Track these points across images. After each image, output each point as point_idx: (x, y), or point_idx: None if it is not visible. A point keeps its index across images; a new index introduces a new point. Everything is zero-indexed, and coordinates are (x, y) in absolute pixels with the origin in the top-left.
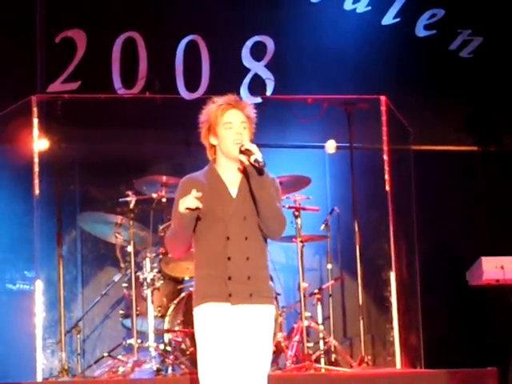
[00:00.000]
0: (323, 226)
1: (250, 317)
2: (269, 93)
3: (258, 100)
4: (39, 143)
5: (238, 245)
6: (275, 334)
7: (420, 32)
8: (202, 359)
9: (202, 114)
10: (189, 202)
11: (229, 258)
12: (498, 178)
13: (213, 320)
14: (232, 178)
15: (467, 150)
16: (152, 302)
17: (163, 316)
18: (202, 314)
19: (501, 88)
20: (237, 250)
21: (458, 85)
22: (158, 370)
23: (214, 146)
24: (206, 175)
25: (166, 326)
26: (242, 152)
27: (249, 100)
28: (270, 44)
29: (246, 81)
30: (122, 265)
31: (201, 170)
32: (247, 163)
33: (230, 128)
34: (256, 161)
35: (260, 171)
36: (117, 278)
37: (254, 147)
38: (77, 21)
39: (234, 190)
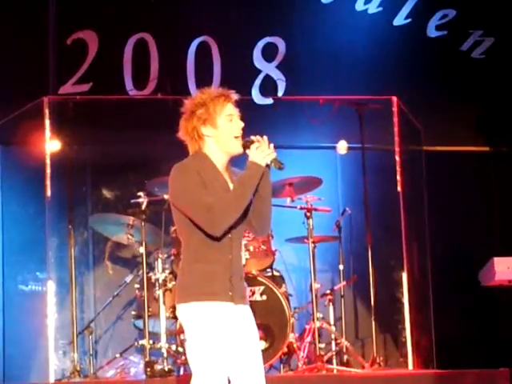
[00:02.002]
0: (335, 227)
1: (246, 317)
2: (280, 94)
3: (270, 101)
4: (51, 144)
5: (237, 243)
6: (288, 335)
7: (431, 32)
8: (204, 358)
9: (187, 104)
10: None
11: (231, 258)
12: (509, 179)
13: (219, 319)
14: (225, 173)
15: (479, 151)
16: (164, 303)
17: (175, 317)
18: (207, 311)
19: None
20: (236, 249)
21: (469, 85)
22: (170, 371)
23: (204, 137)
24: (201, 167)
25: (178, 326)
26: (245, 148)
27: (262, 101)
28: (281, 45)
29: (258, 82)
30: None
31: (187, 160)
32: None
33: (231, 121)
34: (278, 162)
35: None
36: (128, 278)
37: (270, 146)
38: (88, 22)
39: (230, 186)
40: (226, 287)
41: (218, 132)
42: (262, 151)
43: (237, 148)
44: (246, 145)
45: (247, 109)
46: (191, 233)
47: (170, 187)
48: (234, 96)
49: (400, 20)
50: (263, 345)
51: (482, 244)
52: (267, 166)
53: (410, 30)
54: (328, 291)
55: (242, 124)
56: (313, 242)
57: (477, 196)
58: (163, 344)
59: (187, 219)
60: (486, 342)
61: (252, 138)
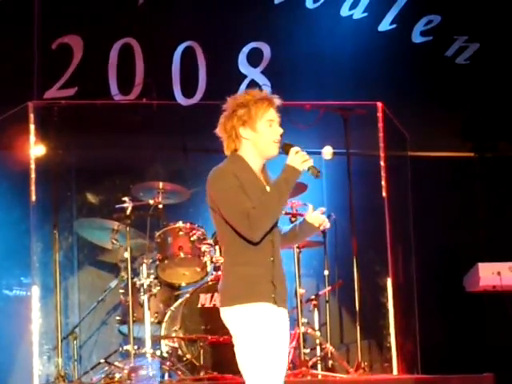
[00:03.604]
0: (320, 232)
1: (285, 320)
2: None
3: None
4: (36, 149)
5: (277, 247)
6: None
7: (416, 38)
8: (261, 360)
9: (230, 103)
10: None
11: (273, 261)
12: (494, 184)
13: (265, 320)
14: (261, 175)
15: (464, 156)
16: (149, 308)
17: (160, 322)
18: (251, 313)
19: (497, 94)
20: (277, 252)
21: (454, 91)
22: (155, 377)
23: (241, 138)
24: (239, 170)
25: (163, 332)
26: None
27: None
28: (266, 50)
29: (243, 87)
30: (123, 273)
31: (224, 164)
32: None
33: (270, 126)
34: (316, 169)
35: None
36: (113, 284)
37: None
38: (73, 27)
39: (267, 188)
40: (269, 290)
41: (256, 135)
42: (301, 156)
43: (273, 152)
44: (285, 148)
45: None
46: (233, 237)
47: (208, 192)
48: (278, 101)
49: (385, 26)
50: None
51: (467, 249)
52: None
53: (395, 35)
54: (313, 296)
55: (281, 130)
56: (297, 248)
57: (462, 202)
58: (148, 349)
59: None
60: (470, 347)
61: (289, 142)
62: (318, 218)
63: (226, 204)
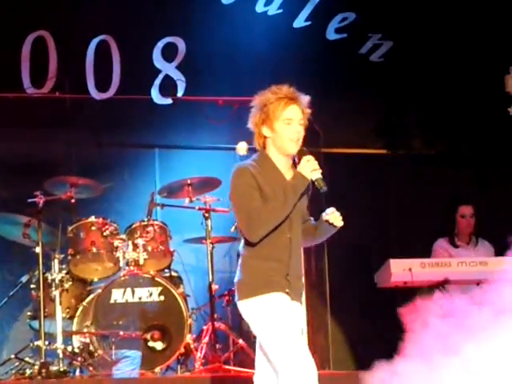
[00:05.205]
0: (233, 228)
1: (299, 313)
2: (180, 94)
3: (169, 101)
4: None
5: (296, 242)
6: (185, 336)
7: (331, 35)
8: (287, 339)
9: (256, 100)
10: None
11: (289, 257)
12: (406, 181)
13: (281, 306)
14: (285, 174)
15: (377, 154)
16: (60, 304)
17: (71, 317)
18: (266, 302)
19: (410, 92)
20: (295, 248)
21: (368, 88)
22: (66, 372)
23: (264, 137)
24: (262, 167)
25: (75, 327)
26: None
27: (162, 101)
28: (181, 45)
29: (157, 82)
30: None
31: (249, 161)
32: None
33: (288, 124)
34: (322, 181)
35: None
36: (24, 278)
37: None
38: None
39: None
40: (283, 284)
41: (275, 135)
42: (311, 165)
43: (292, 150)
44: (299, 154)
45: (146, 109)
46: None
47: (230, 188)
48: (303, 98)
49: (300, 22)
50: (160, 345)
51: (380, 245)
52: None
53: (310, 32)
54: (226, 292)
55: (299, 129)
56: (211, 243)
57: (374, 198)
58: (59, 345)
59: None
60: (382, 342)
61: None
62: (332, 216)
63: (236, 201)
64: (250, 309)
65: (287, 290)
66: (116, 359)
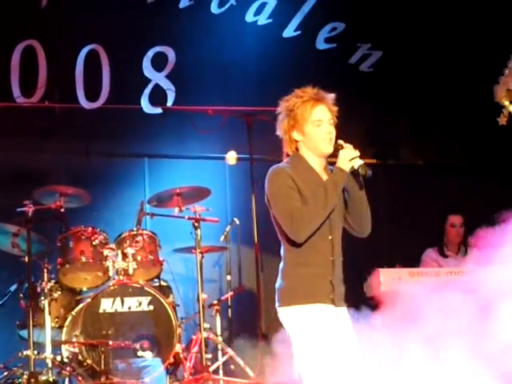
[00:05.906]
0: (223, 238)
1: (346, 320)
2: (169, 103)
3: (159, 111)
4: None
5: (337, 246)
6: (175, 345)
7: (320, 45)
8: (324, 360)
9: (282, 106)
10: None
11: (332, 260)
12: (396, 191)
13: (322, 321)
14: (323, 173)
15: (366, 163)
16: (49, 313)
17: (61, 327)
18: (309, 314)
19: (399, 102)
20: (337, 251)
21: (357, 98)
22: (55, 382)
23: (295, 141)
24: (296, 170)
25: (64, 337)
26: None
27: (151, 110)
28: (171, 54)
29: (147, 91)
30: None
31: (282, 163)
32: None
33: (318, 126)
34: (365, 167)
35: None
36: (13, 288)
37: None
38: None
39: None
40: (328, 290)
41: (305, 138)
42: (350, 154)
43: (326, 150)
44: (336, 148)
45: (136, 118)
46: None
47: (266, 191)
48: (329, 97)
49: (289, 32)
50: (149, 355)
51: (368, 255)
52: (355, 171)
53: (300, 42)
54: (215, 301)
55: (330, 129)
56: (200, 253)
57: None
58: (48, 354)
59: None
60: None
61: (340, 142)
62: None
63: (275, 203)
64: (293, 317)
65: (331, 296)
66: (137, 370)
